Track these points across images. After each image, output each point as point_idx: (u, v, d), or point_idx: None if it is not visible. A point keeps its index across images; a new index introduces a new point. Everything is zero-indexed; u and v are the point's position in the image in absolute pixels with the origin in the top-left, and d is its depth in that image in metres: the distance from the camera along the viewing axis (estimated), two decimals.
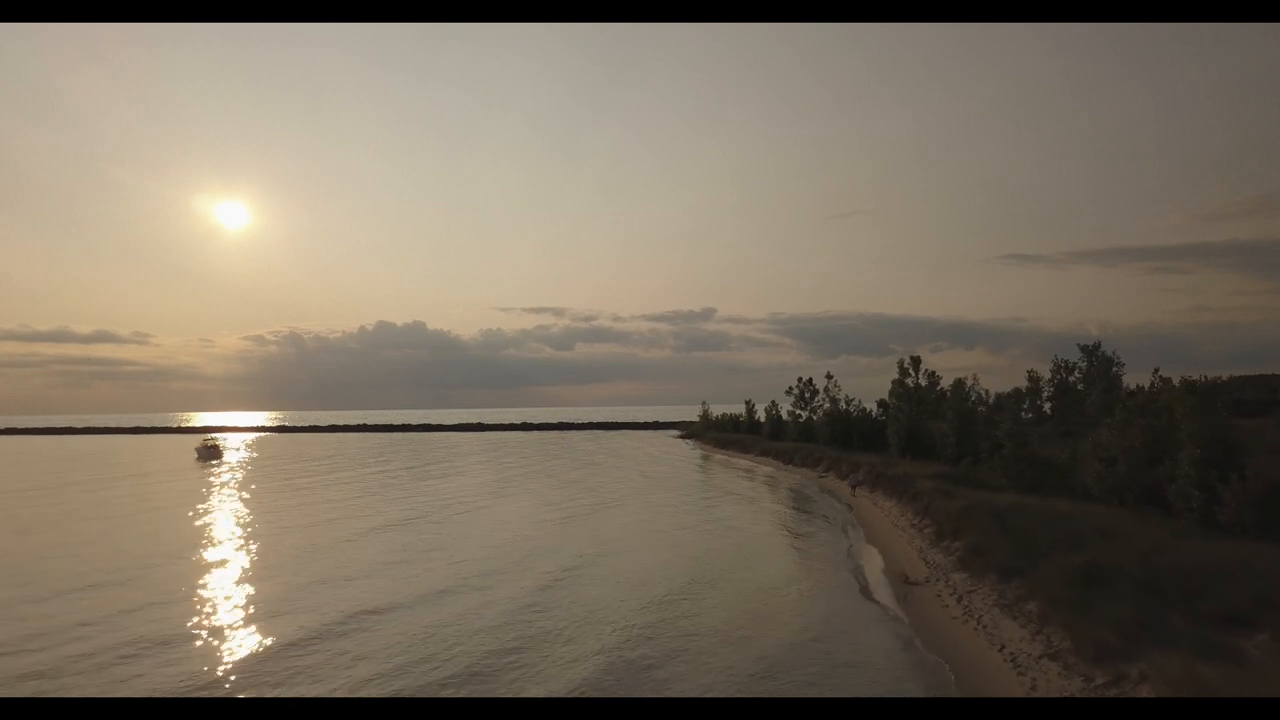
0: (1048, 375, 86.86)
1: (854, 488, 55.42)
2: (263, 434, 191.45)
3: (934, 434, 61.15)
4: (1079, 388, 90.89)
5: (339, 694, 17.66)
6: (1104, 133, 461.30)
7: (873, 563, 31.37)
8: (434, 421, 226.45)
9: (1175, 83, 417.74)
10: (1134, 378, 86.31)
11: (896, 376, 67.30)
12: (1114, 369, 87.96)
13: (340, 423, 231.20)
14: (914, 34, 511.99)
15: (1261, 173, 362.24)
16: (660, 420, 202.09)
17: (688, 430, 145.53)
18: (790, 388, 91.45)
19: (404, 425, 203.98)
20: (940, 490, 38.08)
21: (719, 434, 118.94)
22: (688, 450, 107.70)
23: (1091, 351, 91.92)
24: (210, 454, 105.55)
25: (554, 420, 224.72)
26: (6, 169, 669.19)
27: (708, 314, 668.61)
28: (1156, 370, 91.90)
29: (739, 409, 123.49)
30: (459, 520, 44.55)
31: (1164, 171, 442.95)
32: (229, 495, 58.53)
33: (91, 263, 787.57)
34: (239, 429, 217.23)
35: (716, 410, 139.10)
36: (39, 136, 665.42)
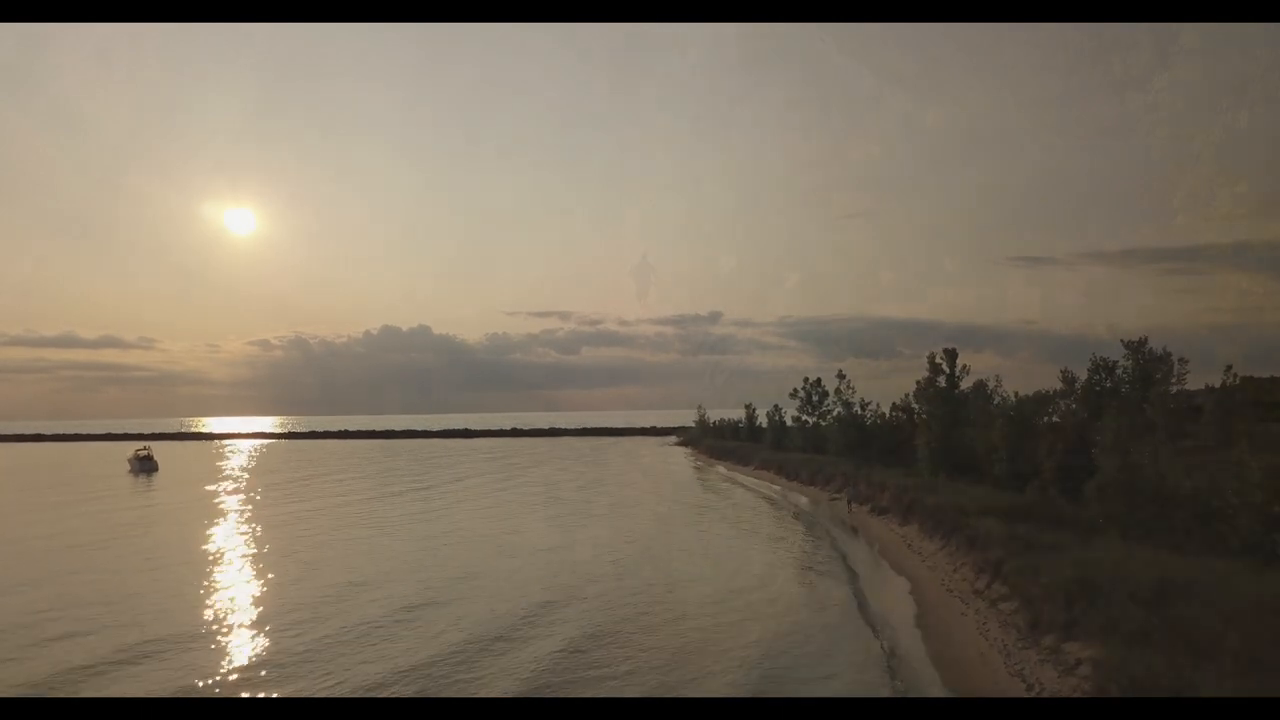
0: (1084, 376, 74.08)
1: (850, 503, 47.67)
2: (244, 439, 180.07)
3: (974, 446, 48.57)
4: (1123, 390, 77.93)
5: None
6: (1114, 132, 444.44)
7: (922, 672, 18.72)
8: (426, 428, 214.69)
9: (1186, 82, 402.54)
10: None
11: (926, 374, 54.01)
12: (1179, 370, 75.01)
13: (336, 428, 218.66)
14: (918, 35, 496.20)
15: (1275, 172, 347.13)
16: (662, 425, 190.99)
17: (684, 437, 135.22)
18: (795, 390, 78.89)
19: (387, 431, 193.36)
20: (1015, 537, 25.41)
21: (717, 441, 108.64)
22: (682, 460, 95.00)
23: (1137, 349, 78.92)
24: (144, 465, 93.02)
25: (546, 426, 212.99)
26: (12, 173, 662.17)
27: (714, 317, 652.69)
28: (1229, 368, 78.58)
29: (741, 413, 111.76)
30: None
31: (1176, 171, 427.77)
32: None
33: (98, 268, 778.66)
34: (219, 435, 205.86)
35: (718, 415, 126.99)
36: (45, 140, 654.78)
